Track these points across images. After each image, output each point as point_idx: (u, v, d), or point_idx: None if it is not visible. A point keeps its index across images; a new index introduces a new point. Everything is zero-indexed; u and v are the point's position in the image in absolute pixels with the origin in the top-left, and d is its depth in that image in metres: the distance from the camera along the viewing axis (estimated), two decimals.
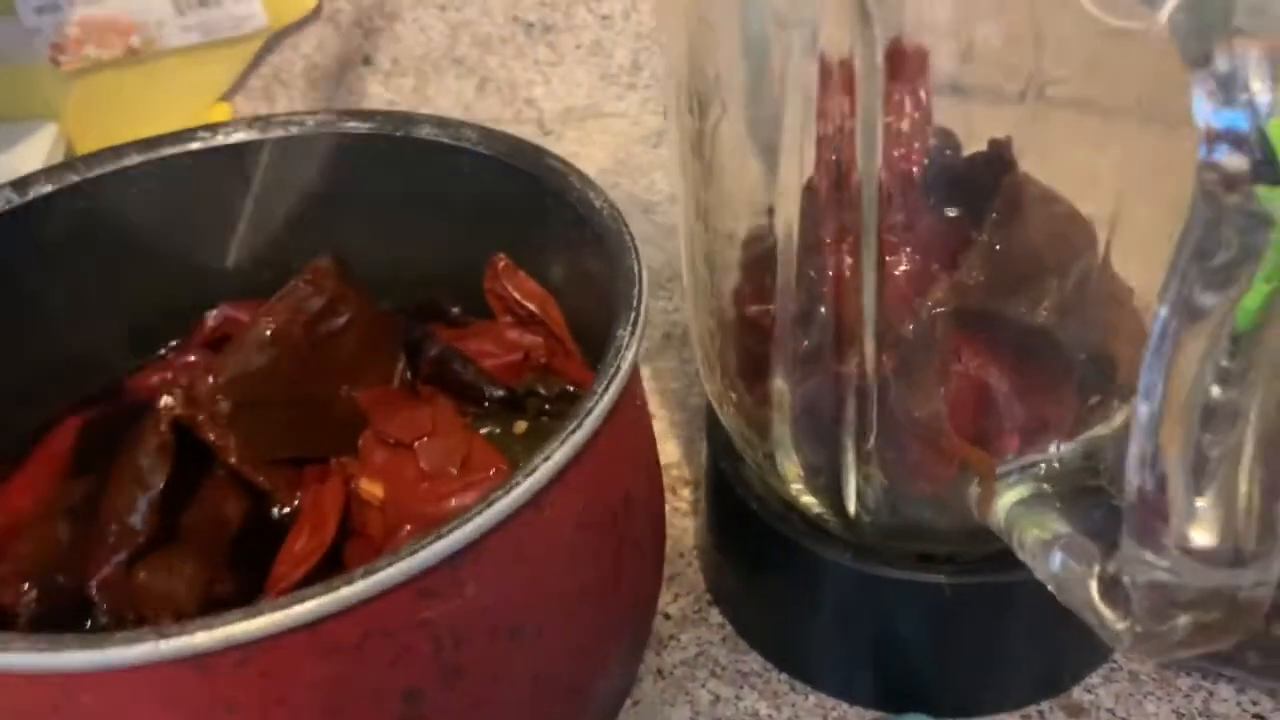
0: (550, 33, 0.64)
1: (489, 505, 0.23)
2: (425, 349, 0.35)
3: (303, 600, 0.21)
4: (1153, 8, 0.18)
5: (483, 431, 0.33)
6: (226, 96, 0.66)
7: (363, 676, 0.23)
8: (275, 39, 0.64)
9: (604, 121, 0.67)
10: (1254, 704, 0.35)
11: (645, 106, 0.67)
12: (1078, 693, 0.35)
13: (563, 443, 0.25)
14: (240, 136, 0.37)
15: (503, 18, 0.64)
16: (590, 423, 0.25)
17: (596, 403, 0.26)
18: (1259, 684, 0.35)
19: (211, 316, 0.37)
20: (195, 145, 0.36)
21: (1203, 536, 0.21)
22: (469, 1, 0.63)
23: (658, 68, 0.66)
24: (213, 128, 0.37)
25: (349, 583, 0.22)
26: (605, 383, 0.26)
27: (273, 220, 0.38)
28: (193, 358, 0.36)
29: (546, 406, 0.34)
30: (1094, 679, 0.35)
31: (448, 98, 0.66)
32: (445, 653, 0.24)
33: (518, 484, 0.24)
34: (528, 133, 0.66)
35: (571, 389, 0.34)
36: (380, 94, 0.66)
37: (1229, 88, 0.17)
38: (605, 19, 0.64)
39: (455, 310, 0.38)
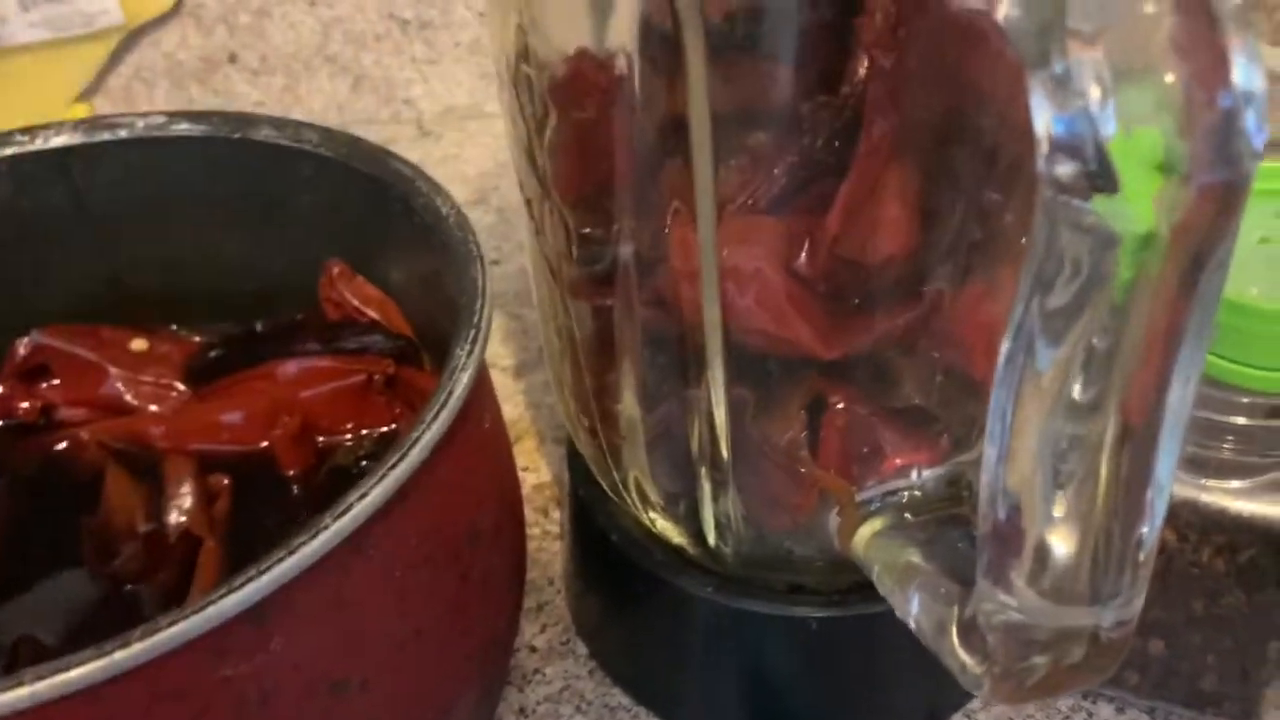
0: (427, 29, 0.62)
1: (291, 552, 0.21)
2: None
3: (71, 667, 0.19)
4: (988, 5, 0.16)
5: None
6: (85, 96, 0.62)
7: None
8: (135, 36, 0.61)
9: (486, 122, 0.64)
10: None
11: None
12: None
13: (381, 478, 0.22)
14: (63, 140, 0.34)
15: (376, 14, 0.61)
16: (416, 454, 0.23)
17: (423, 432, 0.24)
18: (1138, 703, 0.34)
19: (23, 345, 0.33)
20: (11, 150, 0.34)
21: (1057, 566, 0.19)
22: None
23: None
24: (32, 131, 0.34)
25: (124, 645, 0.19)
26: (435, 409, 0.24)
27: (101, 231, 0.35)
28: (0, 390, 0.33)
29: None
30: (974, 704, 0.34)
31: (320, 97, 0.63)
32: (251, 714, 0.22)
33: (325, 527, 0.21)
34: (406, 133, 0.64)
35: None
36: (248, 93, 0.63)
37: (1067, 91, 0.15)
38: (484, 16, 0.62)
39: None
